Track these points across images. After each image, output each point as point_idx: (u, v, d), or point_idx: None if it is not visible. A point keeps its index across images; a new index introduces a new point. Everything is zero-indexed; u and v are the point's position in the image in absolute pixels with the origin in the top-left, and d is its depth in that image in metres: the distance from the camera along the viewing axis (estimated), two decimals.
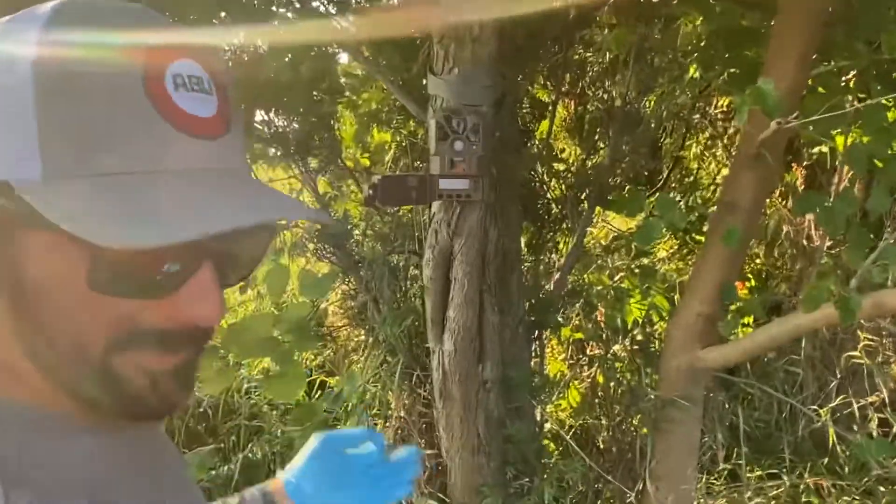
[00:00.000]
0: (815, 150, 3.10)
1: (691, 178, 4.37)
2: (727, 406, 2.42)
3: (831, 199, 1.66)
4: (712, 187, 4.26)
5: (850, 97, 1.88)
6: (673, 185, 4.50)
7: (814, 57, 1.74)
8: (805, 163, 3.39)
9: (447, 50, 1.68)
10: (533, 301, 2.38)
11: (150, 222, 0.42)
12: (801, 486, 2.62)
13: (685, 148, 4.20)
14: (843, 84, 1.89)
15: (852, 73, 1.83)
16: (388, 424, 2.30)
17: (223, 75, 0.50)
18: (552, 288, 2.56)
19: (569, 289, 2.59)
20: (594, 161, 2.95)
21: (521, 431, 2.04)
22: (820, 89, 1.79)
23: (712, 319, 1.84)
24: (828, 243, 2.26)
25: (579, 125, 3.32)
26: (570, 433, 2.80)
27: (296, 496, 0.83)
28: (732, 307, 1.81)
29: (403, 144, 2.71)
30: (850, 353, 2.99)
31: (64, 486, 0.49)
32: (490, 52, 1.68)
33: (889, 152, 1.61)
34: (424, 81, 1.93)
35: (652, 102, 3.16)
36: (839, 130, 1.82)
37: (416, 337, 2.20)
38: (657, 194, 4.16)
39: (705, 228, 3.38)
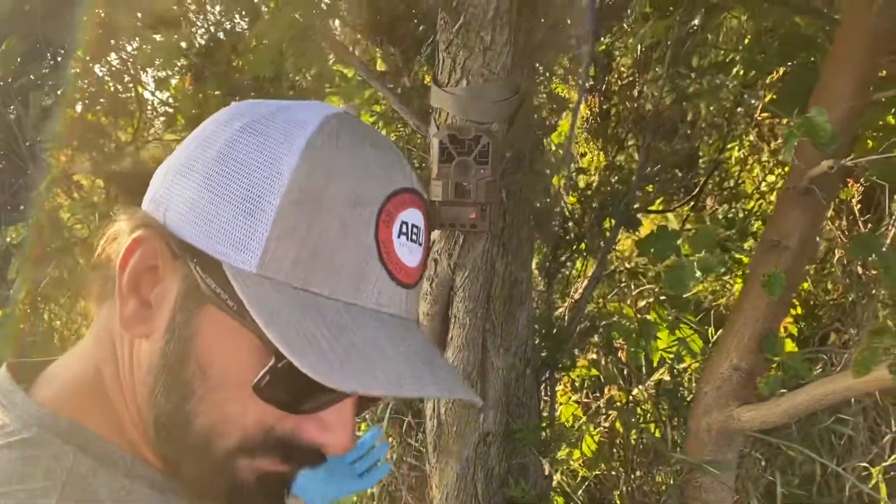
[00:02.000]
0: None
1: (732, 184, 4.40)
2: (764, 466, 2.45)
3: (889, 242, 1.68)
4: (756, 195, 4.28)
5: None
6: (712, 192, 4.52)
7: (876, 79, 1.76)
8: (863, 179, 3.41)
9: (454, 59, 1.70)
10: (544, 336, 2.41)
11: (347, 368, 0.50)
12: None
13: (726, 151, 4.22)
14: None
15: None
16: None
17: (430, 231, 0.61)
18: (567, 320, 2.58)
19: (586, 322, 2.61)
20: (620, 172, 2.96)
21: (526, 492, 2.07)
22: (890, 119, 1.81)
23: (751, 374, 1.87)
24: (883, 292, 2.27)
25: (604, 126, 3.34)
26: (584, 487, 2.82)
27: (300, 493, 0.98)
28: (775, 362, 1.84)
29: (400, 146, 2.73)
30: None
31: None
32: (504, 64, 1.70)
33: None
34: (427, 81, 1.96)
35: (692, 103, 3.18)
36: None
37: None
38: (692, 205, 4.19)
39: (747, 245, 3.41)
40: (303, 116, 0.56)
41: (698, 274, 1.62)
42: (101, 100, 3.59)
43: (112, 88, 3.38)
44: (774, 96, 1.92)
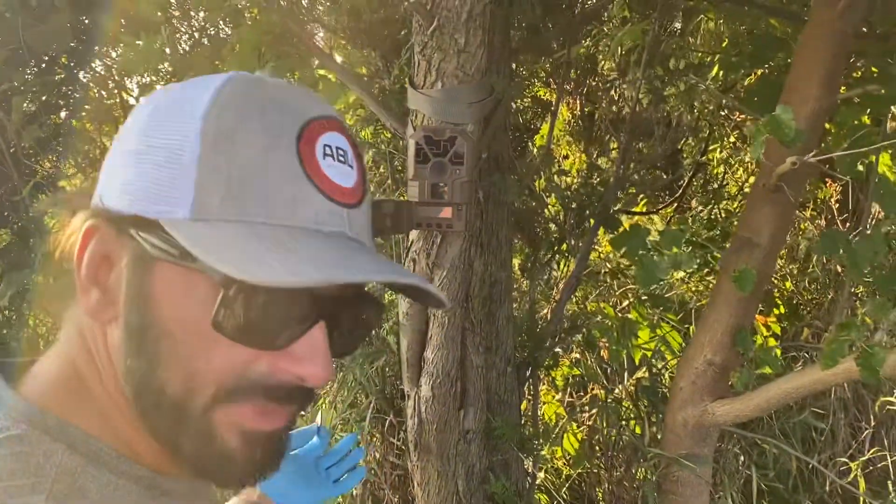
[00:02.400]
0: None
1: (716, 186, 4.45)
2: (741, 461, 2.48)
3: (857, 237, 1.73)
4: (740, 197, 4.33)
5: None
6: (695, 194, 4.57)
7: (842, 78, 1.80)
8: (840, 180, 3.46)
9: (429, 61, 1.74)
10: (525, 336, 2.44)
11: (287, 265, 0.52)
12: None
13: (708, 152, 4.27)
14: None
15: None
16: None
17: (362, 155, 0.63)
18: (548, 320, 2.61)
19: (567, 322, 2.64)
20: (601, 173, 3.00)
21: (506, 489, 2.10)
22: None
23: (725, 369, 1.91)
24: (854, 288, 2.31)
25: (586, 129, 3.38)
26: (567, 484, 2.86)
27: (277, 500, 1.02)
28: (748, 356, 1.88)
29: (382, 150, 2.76)
30: (887, 399, 3.07)
31: None
32: (479, 66, 1.73)
33: None
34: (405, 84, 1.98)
35: (669, 104, 3.23)
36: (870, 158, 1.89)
37: (391, 378, 2.26)
38: (675, 206, 4.23)
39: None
40: (212, 78, 0.59)
41: (668, 268, 1.65)
42: (87, 106, 3.61)
43: (97, 94, 3.40)
44: (746, 96, 1.97)
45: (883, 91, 1.86)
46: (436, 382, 1.99)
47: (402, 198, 2.35)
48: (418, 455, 2.10)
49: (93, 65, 3.43)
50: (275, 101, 0.58)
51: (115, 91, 3.52)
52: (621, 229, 2.03)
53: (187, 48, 2.95)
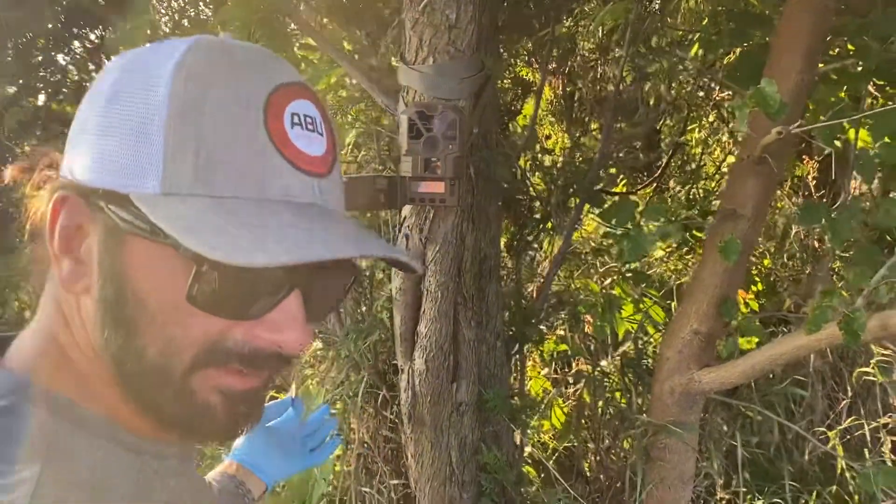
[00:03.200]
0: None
1: (693, 166, 4.52)
2: (725, 429, 2.56)
3: (836, 210, 1.78)
4: (717, 177, 4.40)
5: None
6: (673, 174, 4.63)
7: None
8: (818, 156, 3.54)
9: (420, 37, 1.76)
10: (513, 312, 2.48)
11: (258, 244, 0.52)
12: None
13: (687, 133, 4.33)
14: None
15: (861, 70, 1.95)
16: (349, 449, 2.38)
17: (333, 122, 0.63)
18: (534, 296, 2.66)
19: (553, 298, 2.69)
20: (584, 153, 3.05)
21: (498, 459, 2.14)
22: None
23: (710, 338, 1.96)
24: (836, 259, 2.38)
25: (568, 108, 3.42)
26: (554, 457, 2.91)
27: (255, 472, 1.05)
28: (733, 324, 1.93)
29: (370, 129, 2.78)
30: (864, 370, 3.15)
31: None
32: (469, 41, 1.76)
33: None
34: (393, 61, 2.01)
35: (651, 82, 3.27)
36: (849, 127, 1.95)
37: (383, 353, 2.29)
38: (654, 186, 4.30)
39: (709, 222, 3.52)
40: (175, 43, 0.58)
41: (655, 240, 1.70)
42: (65, 89, 3.59)
43: (76, 77, 3.38)
44: (729, 72, 2.01)
45: (860, 67, 1.91)
46: (429, 356, 2.03)
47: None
48: (412, 427, 2.14)
49: (71, 46, 3.41)
50: (240, 67, 0.58)
51: (95, 73, 3.50)
52: (608, 204, 2.07)
53: (168, 31, 2.94)
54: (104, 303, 0.57)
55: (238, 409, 0.60)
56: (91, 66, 3.44)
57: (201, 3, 3.06)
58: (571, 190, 2.77)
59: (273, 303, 0.57)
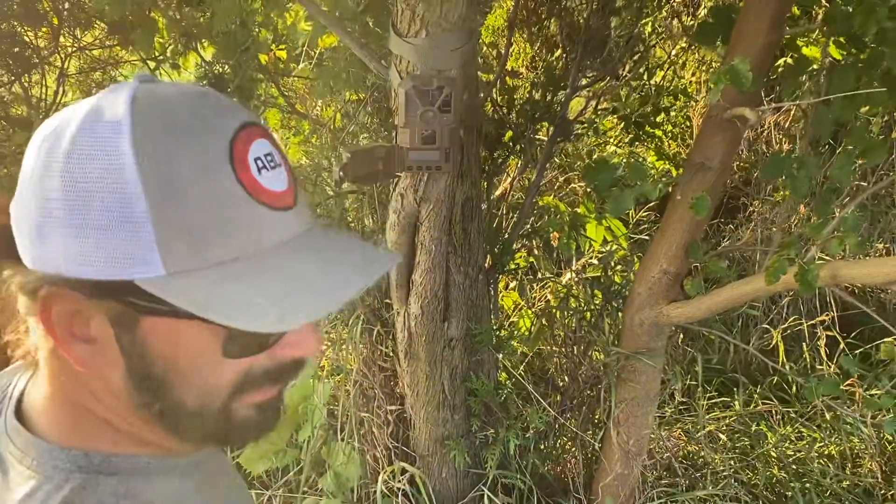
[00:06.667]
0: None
1: (646, 63, 4.60)
2: (687, 349, 2.85)
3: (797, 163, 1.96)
4: (669, 68, 4.51)
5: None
6: (623, 64, 4.70)
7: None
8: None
9: (413, 11, 1.82)
10: (491, 243, 2.65)
11: (274, 306, 0.56)
12: (752, 407, 3.14)
13: (641, 26, 4.39)
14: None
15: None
16: (346, 377, 2.59)
17: (279, 144, 0.65)
18: (510, 229, 2.82)
19: (528, 227, 2.86)
20: (553, 79, 3.13)
21: (486, 384, 2.38)
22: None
23: (678, 276, 2.18)
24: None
25: (537, 28, 3.46)
26: (528, 368, 3.17)
27: None
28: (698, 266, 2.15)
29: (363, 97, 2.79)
30: None
31: None
32: (461, 13, 1.82)
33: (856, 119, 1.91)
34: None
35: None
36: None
37: (375, 293, 2.46)
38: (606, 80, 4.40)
39: (659, 119, 3.69)
40: (110, 115, 0.56)
41: (635, 198, 1.87)
42: (14, 7, 3.44)
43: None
44: (700, 29, 2.12)
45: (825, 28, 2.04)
46: (424, 302, 2.21)
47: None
48: (408, 362, 2.35)
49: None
50: (194, 129, 0.57)
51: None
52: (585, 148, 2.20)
53: None
54: (133, 374, 0.60)
55: (267, 416, 0.67)
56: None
57: None
58: (538, 115, 2.87)
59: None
